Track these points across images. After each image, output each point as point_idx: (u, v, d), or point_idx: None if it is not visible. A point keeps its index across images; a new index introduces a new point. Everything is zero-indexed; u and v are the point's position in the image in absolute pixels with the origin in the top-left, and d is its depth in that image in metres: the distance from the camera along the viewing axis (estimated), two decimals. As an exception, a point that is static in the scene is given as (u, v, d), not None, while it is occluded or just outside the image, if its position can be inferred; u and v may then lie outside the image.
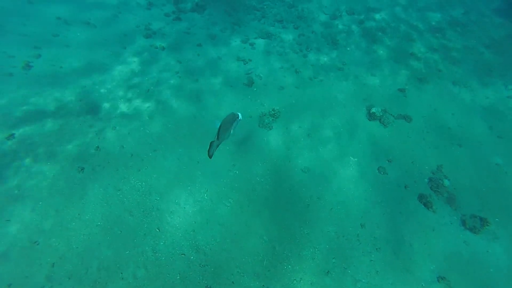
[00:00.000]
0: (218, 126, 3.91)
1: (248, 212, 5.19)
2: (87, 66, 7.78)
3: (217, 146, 4.00)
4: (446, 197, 5.42)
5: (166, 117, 6.61)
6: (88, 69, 7.69)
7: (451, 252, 4.75)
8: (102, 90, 7.11)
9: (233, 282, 4.43)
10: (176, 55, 8.61)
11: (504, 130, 6.63)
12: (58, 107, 6.53)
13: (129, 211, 5.06)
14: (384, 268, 4.58)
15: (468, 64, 8.81)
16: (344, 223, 5.10)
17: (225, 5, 11.46)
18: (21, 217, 4.80)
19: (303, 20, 10.87)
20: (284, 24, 10.59)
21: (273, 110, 6.87)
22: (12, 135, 5.84)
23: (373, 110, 6.91)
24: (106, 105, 6.76)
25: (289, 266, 4.59)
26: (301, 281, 4.46)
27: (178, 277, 4.44)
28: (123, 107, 6.76)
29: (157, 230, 4.89)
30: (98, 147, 5.88)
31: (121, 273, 4.42)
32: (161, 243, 4.74)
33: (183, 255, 4.63)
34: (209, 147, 3.92)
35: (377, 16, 11.09)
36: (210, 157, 3.93)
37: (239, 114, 4.29)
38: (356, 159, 6.06)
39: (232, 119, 4.14)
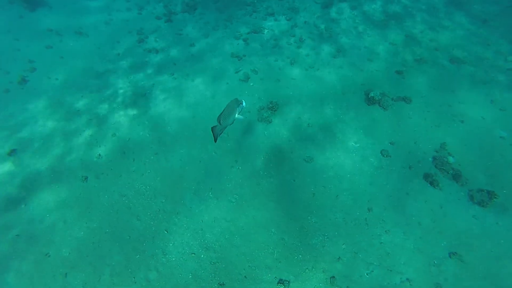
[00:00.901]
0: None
1: (254, 206, 5.19)
2: (83, 76, 7.79)
3: (221, 130, 3.93)
4: (452, 174, 5.37)
5: (164, 120, 6.61)
6: (84, 79, 7.70)
7: (461, 227, 4.72)
8: (99, 99, 7.13)
9: (245, 277, 4.44)
10: (170, 57, 8.59)
11: (506, 103, 6.54)
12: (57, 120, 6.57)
13: (136, 215, 5.09)
14: (395, 250, 4.56)
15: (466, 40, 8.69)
16: (351, 209, 5.08)
17: (215, 3, 11.40)
18: (29, 231, 4.84)
19: (294, 11, 10.78)
20: (276, 17, 10.51)
21: (271, 103, 6.84)
22: (14, 150, 5.89)
23: (372, 94, 6.84)
24: (104, 113, 6.78)
25: (300, 256, 4.59)
26: (313, 269, 4.46)
27: (190, 276, 4.46)
28: (121, 114, 6.77)
29: (165, 232, 4.91)
30: (100, 154, 5.90)
31: (134, 278, 4.45)
32: (170, 244, 4.76)
33: (193, 255, 4.65)
34: (213, 132, 3.85)
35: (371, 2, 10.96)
36: (215, 141, 3.88)
37: (243, 100, 4.16)
38: (358, 145, 6.02)
39: (235, 104, 4.05)
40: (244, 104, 4.14)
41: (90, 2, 11.70)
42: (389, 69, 7.74)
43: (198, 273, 4.49)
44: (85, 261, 4.57)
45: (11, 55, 8.33)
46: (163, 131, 6.37)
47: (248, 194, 5.35)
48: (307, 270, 4.46)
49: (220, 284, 4.37)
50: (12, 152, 5.83)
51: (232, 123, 4.12)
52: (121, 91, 7.40)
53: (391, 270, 4.37)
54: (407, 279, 4.28)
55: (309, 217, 5.01)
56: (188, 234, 4.88)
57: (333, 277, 4.37)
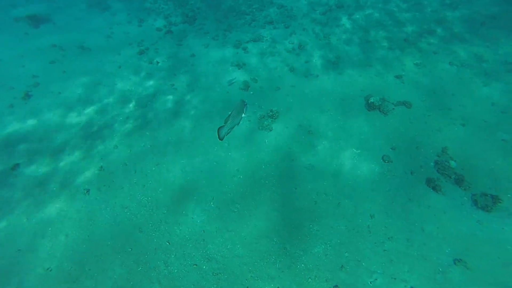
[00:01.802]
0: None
1: (256, 215, 5.17)
2: (86, 89, 7.91)
3: (229, 130, 4.25)
4: (454, 179, 5.31)
5: (165, 130, 6.66)
6: (86, 92, 7.82)
7: (465, 233, 4.65)
8: (102, 111, 7.23)
9: (247, 287, 4.41)
10: (170, 68, 8.69)
11: (507, 105, 6.49)
12: (60, 132, 6.66)
13: (138, 227, 5.10)
14: (399, 257, 4.50)
15: (465, 42, 8.68)
16: (354, 216, 5.04)
17: (215, 14, 11.57)
18: (32, 246, 4.87)
19: (293, 19, 10.89)
20: (275, 25, 10.63)
21: (271, 111, 6.87)
22: (17, 165, 5.96)
23: (372, 100, 6.85)
24: (107, 124, 6.86)
25: (303, 265, 4.55)
26: (316, 278, 4.41)
27: None
28: (123, 126, 6.84)
29: (167, 243, 4.90)
30: (101, 167, 5.95)
31: (136, 290, 4.44)
32: (172, 256, 4.75)
33: (195, 266, 4.63)
34: (221, 129, 4.17)
35: (367, 9, 11.04)
36: (221, 139, 4.16)
37: (247, 102, 4.53)
38: (359, 151, 6.00)
39: (241, 106, 4.42)
40: (248, 105, 4.50)
41: (92, 17, 11.96)
42: (388, 74, 7.75)
43: (201, 285, 4.46)
44: (87, 275, 4.57)
45: (16, 71, 8.50)
46: (164, 141, 6.42)
47: (250, 204, 5.34)
48: (309, 279, 4.41)
49: (223, 296, 4.34)
50: (15, 167, 5.91)
51: (239, 123, 4.42)
52: (120, 105, 7.50)
53: (395, 278, 4.30)
54: (412, 287, 4.21)
55: (311, 226, 4.98)
56: (190, 245, 4.86)
57: (336, 286, 4.31)
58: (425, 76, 7.55)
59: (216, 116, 6.94)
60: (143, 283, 4.49)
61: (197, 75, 8.30)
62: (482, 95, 6.81)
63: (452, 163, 5.51)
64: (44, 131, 6.73)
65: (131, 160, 6.08)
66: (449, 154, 5.70)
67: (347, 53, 8.72)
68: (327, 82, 7.71)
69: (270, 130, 6.55)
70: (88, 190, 5.57)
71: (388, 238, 4.74)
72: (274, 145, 6.24)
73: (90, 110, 7.27)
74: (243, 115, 4.44)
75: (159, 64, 8.88)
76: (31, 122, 6.91)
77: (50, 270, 4.59)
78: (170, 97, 7.58)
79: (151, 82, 8.13)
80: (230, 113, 4.30)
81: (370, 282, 4.31)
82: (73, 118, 7.05)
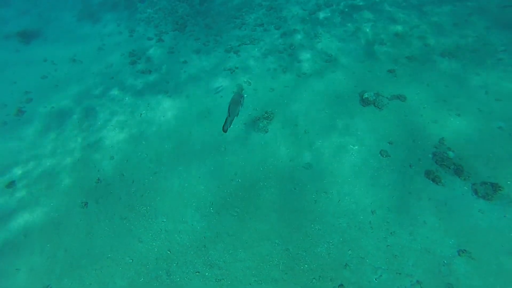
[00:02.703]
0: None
1: (256, 218, 5.12)
2: (78, 102, 7.88)
3: (231, 121, 4.50)
4: (453, 169, 5.28)
5: (161, 139, 6.63)
6: (79, 105, 7.79)
7: (467, 223, 4.61)
8: (95, 123, 7.19)
9: (251, 292, 4.35)
10: (162, 76, 8.68)
11: (501, 92, 6.49)
12: (52, 148, 6.61)
13: (138, 237, 5.04)
14: (402, 251, 4.45)
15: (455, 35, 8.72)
16: (354, 213, 5.00)
17: (204, 20, 11.58)
18: (30, 263, 4.80)
19: (283, 20, 10.92)
20: (265, 27, 10.64)
21: (267, 112, 6.84)
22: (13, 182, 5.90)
23: (366, 95, 6.84)
24: (101, 136, 6.82)
25: (306, 265, 4.49)
26: (320, 278, 4.36)
27: (196, 295, 4.38)
28: (118, 136, 6.80)
29: (168, 252, 4.84)
30: (98, 179, 5.90)
31: (139, 301, 4.37)
32: (174, 264, 4.69)
33: (197, 273, 4.57)
34: (224, 123, 4.43)
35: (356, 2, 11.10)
36: (225, 131, 4.42)
37: (244, 95, 4.87)
38: (356, 147, 5.98)
39: (239, 97, 4.70)
40: (245, 95, 4.69)
41: (83, 30, 11.96)
42: (382, 69, 7.75)
43: (204, 292, 4.40)
44: (89, 288, 4.51)
45: (8, 88, 8.47)
46: (161, 149, 6.38)
47: (250, 206, 5.29)
48: (314, 280, 4.36)
49: (227, 302, 4.28)
50: (11, 184, 5.84)
51: (238, 114, 4.68)
52: (116, 112, 7.47)
53: (400, 273, 4.25)
54: (417, 281, 4.16)
55: (312, 225, 4.93)
56: (191, 253, 4.81)
57: (341, 285, 4.26)
58: (417, 69, 7.56)
59: (207, 121, 6.91)
60: (145, 294, 4.42)
61: (189, 81, 8.28)
62: (476, 84, 6.81)
63: (450, 154, 5.49)
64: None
65: (128, 170, 6.03)
66: (446, 145, 5.67)
67: (340, 50, 8.73)
68: (320, 81, 7.70)
69: (266, 132, 6.52)
70: (86, 203, 5.51)
71: (391, 233, 4.69)
72: (271, 146, 6.21)
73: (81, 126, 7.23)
74: (240, 107, 4.67)
75: (151, 72, 8.86)
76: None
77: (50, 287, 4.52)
78: (165, 105, 7.55)
79: (145, 93, 8.10)
80: (228, 106, 4.55)
81: (375, 279, 4.26)
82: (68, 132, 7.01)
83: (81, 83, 8.58)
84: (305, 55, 8.73)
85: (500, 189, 4.80)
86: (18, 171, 6.17)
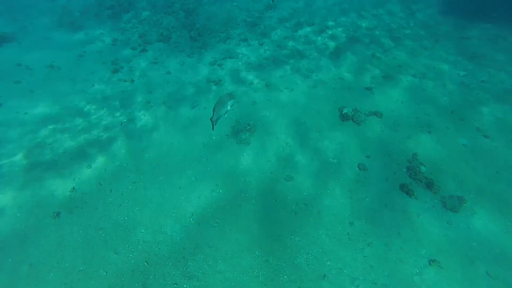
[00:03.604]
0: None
1: (236, 229, 5.11)
2: (54, 109, 7.63)
3: (216, 120, 4.70)
4: (425, 183, 5.59)
5: (142, 148, 6.53)
6: (56, 112, 7.54)
7: (437, 234, 4.87)
8: (73, 130, 6.97)
9: (231, 304, 4.29)
10: (145, 86, 8.63)
11: (464, 112, 7.03)
12: (26, 155, 6.32)
13: (114, 249, 4.86)
14: (378, 262, 4.60)
15: (424, 57, 9.40)
16: (333, 224, 5.12)
17: (189, 32, 11.72)
18: (-4, 275, 4.48)
19: (267, 36, 11.28)
20: (249, 42, 10.93)
21: (249, 125, 6.96)
22: None
23: (345, 110, 7.15)
24: (79, 144, 6.62)
25: (285, 277, 4.51)
26: (299, 290, 4.39)
27: (173, 309, 4.25)
28: (99, 144, 6.63)
29: (146, 263, 4.70)
30: (73, 188, 5.68)
31: (112, 316, 4.18)
32: (151, 276, 4.55)
33: (175, 285, 4.46)
34: (212, 123, 4.68)
35: (333, 24, 11.73)
36: (212, 129, 4.86)
37: (234, 99, 5.00)
38: (335, 160, 6.18)
39: (227, 98, 4.83)
40: (235, 99, 5.00)
41: (63, 37, 11.72)
42: (360, 86, 8.17)
43: (182, 305, 4.28)
44: (58, 304, 4.26)
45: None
46: (141, 159, 6.27)
47: (230, 218, 5.28)
48: (293, 291, 4.38)
49: (205, 315, 4.19)
50: (-23, 192, 5.50)
51: (226, 113, 4.88)
52: (96, 121, 7.29)
53: (375, 283, 4.37)
54: (392, 291, 4.30)
55: (292, 236, 4.99)
56: (170, 264, 4.69)
57: (320, 296, 4.31)
58: (392, 87, 8.04)
59: (189, 132, 6.91)
60: (119, 309, 4.24)
61: (172, 93, 8.29)
62: (444, 103, 7.33)
63: (423, 168, 5.82)
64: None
65: (106, 180, 5.86)
66: (419, 160, 6.01)
67: (320, 67, 9.12)
68: (301, 95, 7.97)
69: (248, 144, 6.60)
70: (58, 213, 5.26)
71: (368, 244, 4.84)
72: (252, 158, 6.28)
73: (59, 130, 6.99)
74: (228, 107, 4.84)
75: (134, 81, 8.79)
76: (-5, 144, 6.53)
77: (15, 302, 4.23)
78: (147, 115, 7.48)
79: (126, 103, 7.99)
80: (215, 104, 4.71)
81: (353, 289, 4.35)
82: (43, 139, 6.74)
83: (60, 90, 8.34)
84: (287, 70, 9.03)
85: (465, 202, 5.15)
86: (-15, 179, 5.82)
